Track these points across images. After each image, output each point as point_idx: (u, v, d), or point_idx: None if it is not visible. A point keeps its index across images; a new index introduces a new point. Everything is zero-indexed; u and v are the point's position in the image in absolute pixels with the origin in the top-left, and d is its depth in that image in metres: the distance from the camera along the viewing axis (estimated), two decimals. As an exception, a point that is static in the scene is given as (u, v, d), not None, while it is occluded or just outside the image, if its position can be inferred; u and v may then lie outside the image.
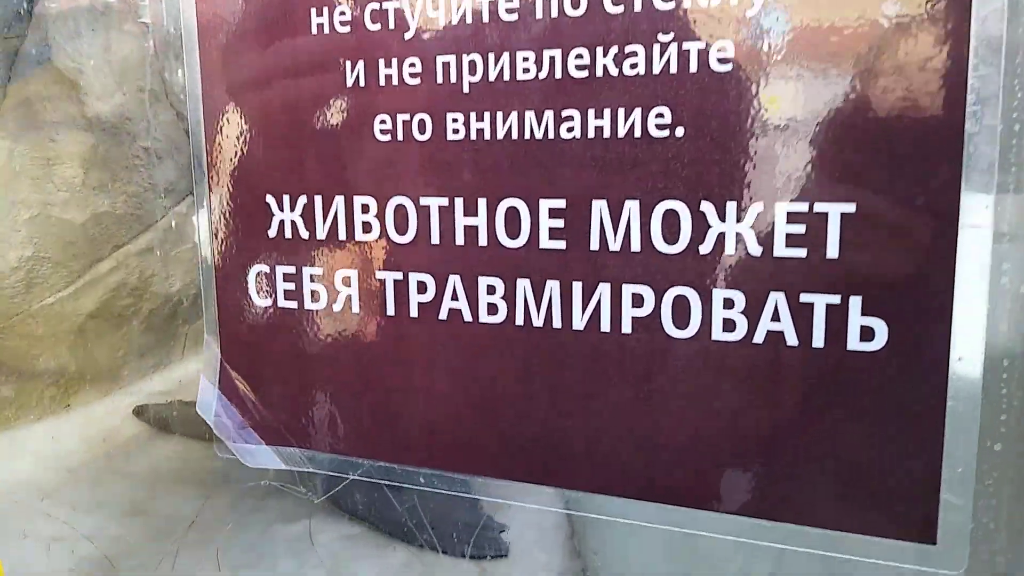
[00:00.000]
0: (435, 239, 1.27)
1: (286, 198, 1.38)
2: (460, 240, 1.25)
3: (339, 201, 1.33)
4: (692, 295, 1.10)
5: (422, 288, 1.29)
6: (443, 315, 1.28)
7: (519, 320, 1.22)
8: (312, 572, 2.12)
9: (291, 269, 1.39)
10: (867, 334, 1.01)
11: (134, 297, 3.48)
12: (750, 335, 1.06)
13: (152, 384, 3.48)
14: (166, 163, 3.70)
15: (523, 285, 1.21)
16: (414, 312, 1.30)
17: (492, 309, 1.25)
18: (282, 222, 1.38)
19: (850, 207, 0.99)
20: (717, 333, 1.09)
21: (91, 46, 3.21)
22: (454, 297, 1.27)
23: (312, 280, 1.37)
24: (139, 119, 3.43)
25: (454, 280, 1.27)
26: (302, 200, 1.36)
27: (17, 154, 2.96)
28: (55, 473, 2.70)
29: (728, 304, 1.07)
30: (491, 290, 1.23)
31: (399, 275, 1.30)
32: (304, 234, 1.37)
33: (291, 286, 1.40)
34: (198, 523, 2.33)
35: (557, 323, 1.19)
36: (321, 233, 1.35)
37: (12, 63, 2.96)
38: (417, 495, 2.32)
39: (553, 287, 1.18)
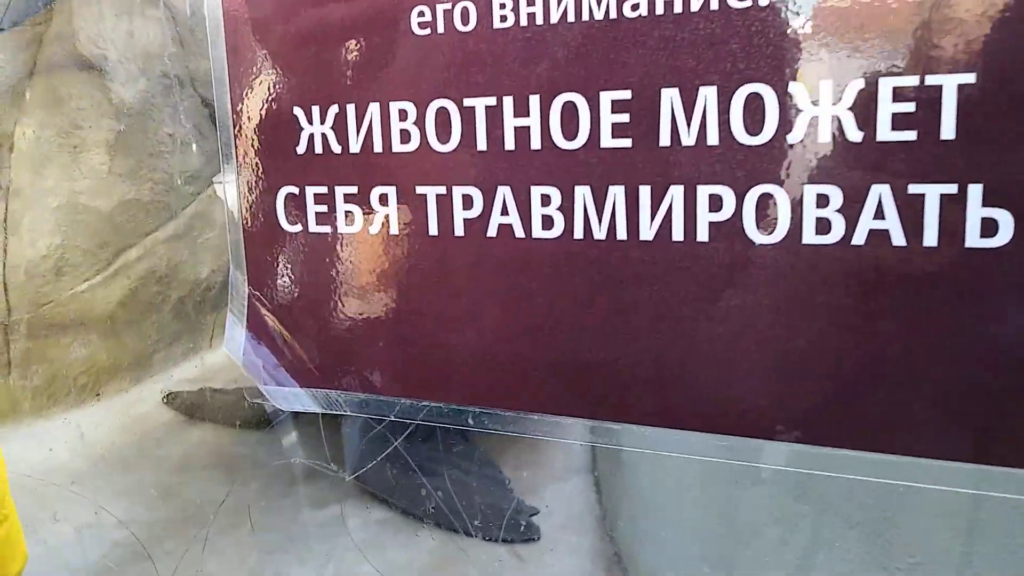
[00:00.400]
0: (481, 145, 1.09)
1: (315, 109, 1.20)
2: (510, 145, 1.07)
3: (374, 109, 1.15)
4: (779, 193, 0.92)
5: (468, 202, 1.12)
6: (492, 231, 1.12)
7: (578, 233, 1.05)
8: (344, 555, 2.10)
9: (322, 189, 1.22)
10: (989, 228, 0.83)
11: (162, 285, 3.48)
12: (848, 236, 0.89)
13: (182, 371, 3.49)
14: (191, 149, 3.70)
15: (582, 193, 1.04)
16: (459, 230, 1.13)
17: (547, 222, 1.07)
18: (311, 136, 1.22)
19: (969, 77, 0.81)
20: (809, 236, 0.91)
21: (115, 32, 3.20)
22: (504, 211, 1.10)
23: (346, 200, 1.20)
24: (163, 105, 3.43)
25: (504, 192, 1.10)
26: (333, 110, 1.18)
27: (44, 141, 2.96)
28: (87, 460, 2.71)
29: (822, 202, 0.89)
30: (546, 200, 1.06)
31: (442, 189, 1.13)
32: (336, 148, 1.19)
33: (323, 208, 1.23)
34: (229, 507, 2.32)
35: (622, 234, 1.02)
36: (355, 146, 1.18)
37: (37, 50, 2.96)
38: (449, 478, 2.29)
39: (617, 193, 1.01)
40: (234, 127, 1.29)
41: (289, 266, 1.30)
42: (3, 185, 2.88)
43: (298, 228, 1.28)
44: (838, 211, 0.90)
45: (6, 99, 2.85)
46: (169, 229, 3.50)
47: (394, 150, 1.16)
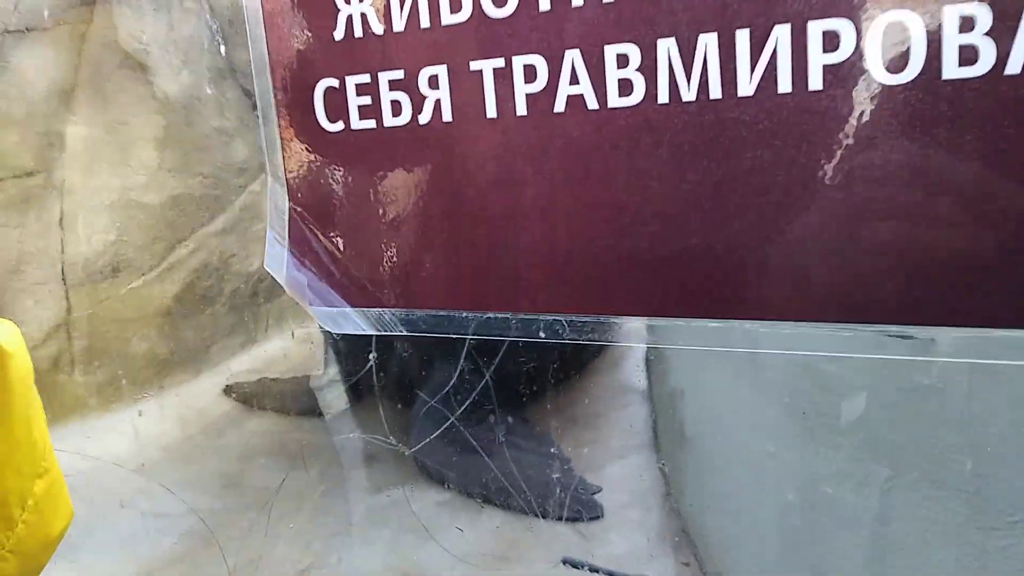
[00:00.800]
0: (543, 5, 0.92)
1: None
2: (577, 0, 0.90)
3: (419, -23, 0.97)
4: (911, 20, 0.71)
5: (530, 74, 0.95)
6: (559, 106, 0.94)
7: (662, 97, 0.87)
8: (405, 537, 2.09)
9: (365, 78, 1.06)
10: None
11: (216, 278, 3.52)
12: (1001, 65, 0.68)
13: (240, 362, 3.53)
14: (237, 142, 3.72)
15: (666, 47, 0.85)
16: (522, 108, 0.96)
17: (625, 87, 0.89)
18: (350, 17, 1.10)
19: None
20: (950, 69, 0.71)
21: (155, 26, 3.21)
22: (573, 79, 0.92)
23: (391, 88, 1.04)
24: (208, 98, 3.44)
25: (571, 56, 0.92)
26: (373, -17, 0.99)
27: (93, 139, 3.00)
28: (152, 452, 2.75)
29: (966, 25, 0.68)
30: (622, 61, 0.88)
31: (500, 62, 0.96)
32: (377, 28, 1.03)
33: (366, 100, 1.07)
34: (291, 493, 2.32)
35: (715, 92, 0.83)
36: (399, 23, 1.01)
37: (81, 48, 2.99)
38: (509, 458, 2.26)
39: (708, 43, 0.82)
40: (264, 21, 1.15)
41: (332, 171, 1.15)
42: (56, 184, 2.93)
43: (340, 126, 1.13)
44: (987, 34, 0.71)
45: (55, 98, 2.89)
46: (219, 222, 3.53)
47: (444, 23, 1.00)
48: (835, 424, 1.25)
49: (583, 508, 2.11)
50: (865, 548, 1.24)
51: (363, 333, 1.16)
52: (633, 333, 0.99)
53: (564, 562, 1.34)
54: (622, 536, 2.01)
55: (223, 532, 2.14)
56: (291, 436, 2.71)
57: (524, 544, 2.00)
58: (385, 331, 1.13)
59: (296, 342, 3.67)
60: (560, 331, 1.00)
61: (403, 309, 1.11)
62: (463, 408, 2.35)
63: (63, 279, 2.94)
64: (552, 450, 2.39)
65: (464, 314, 1.05)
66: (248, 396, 3.18)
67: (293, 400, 2.97)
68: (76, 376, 2.98)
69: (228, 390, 3.24)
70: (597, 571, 1.34)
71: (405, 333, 1.12)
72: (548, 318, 0.99)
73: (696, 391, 1.88)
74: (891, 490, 1.17)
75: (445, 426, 2.30)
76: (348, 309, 1.17)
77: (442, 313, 1.08)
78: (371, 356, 2.39)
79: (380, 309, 1.14)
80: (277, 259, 1.23)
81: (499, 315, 1.02)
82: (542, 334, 1.01)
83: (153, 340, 3.22)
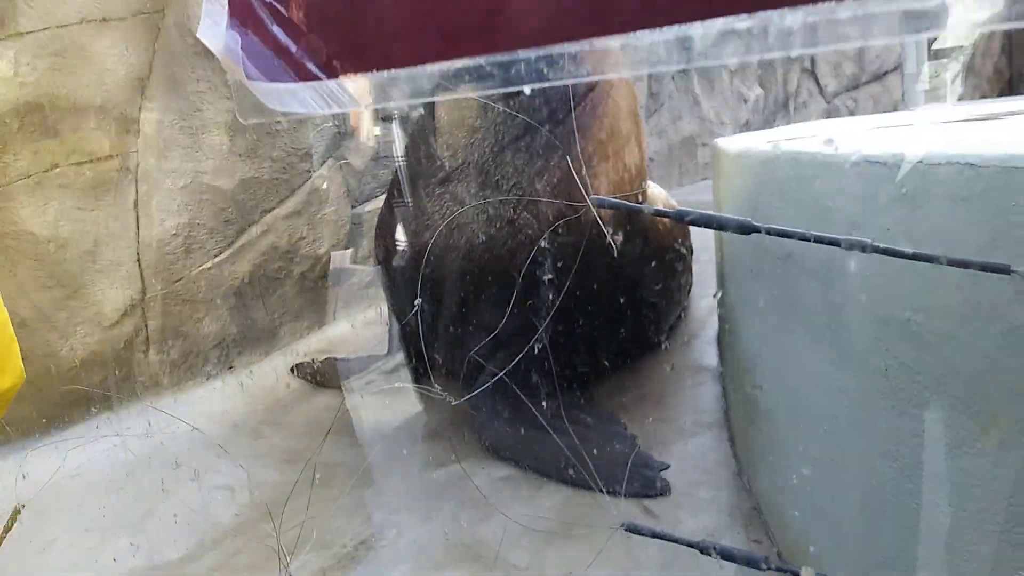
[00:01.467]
0: None
1: None
2: None
3: None
4: None
5: None
6: None
7: None
8: (465, 512, 2.04)
9: None
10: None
11: (285, 260, 3.56)
12: None
13: (307, 343, 3.57)
14: (306, 127, 3.76)
15: None
16: None
17: None
18: None
19: None
20: None
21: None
22: None
23: None
24: (276, 83, 3.47)
25: None
26: None
27: (167, 125, 3.07)
28: (221, 427, 2.79)
29: None
30: None
31: None
32: None
33: None
34: (352, 468, 2.31)
35: None
36: None
37: (156, 36, 3.06)
38: (573, 433, 2.18)
39: None
40: None
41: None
42: (132, 168, 3.00)
43: None
44: None
45: (130, 86, 2.96)
46: (288, 205, 3.57)
47: None
48: (921, 380, 1.14)
49: (650, 485, 2.02)
50: (957, 520, 1.12)
51: (312, 113, 1.06)
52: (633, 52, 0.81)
53: (626, 528, 1.27)
54: (691, 514, 1.91)
55: (286, 505, 2.14)
56: (355, 414, 2.71)
57: (588, 520, 1.93)
58: (338, 106, 1.01)
59: (362, 325, 3.69)
60: (545, 69, 0.82)
61: (362, 74, 0.98)
62: (522, 379, 2.30)
63: (138, 261, 3.02)
64: (618, 427, 2.31)
65: (431, 68, 0.88)
66: (315, 374, 3.20)
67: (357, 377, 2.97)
68: (150, 355, 3.06)
69: (295, 368, 3.28)
70: (658, 536, 1.26)
71: (360, 108, 1.01)
72: (529, 56, 0.80)
73: (769, 361, 1.77)
74: (980, 451, 1.05)
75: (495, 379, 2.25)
76: (296, 84, 1.05)
77: (405, 72, 0.90)
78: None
79: (333, 81, 1.01)
80: (214, 27, 1.08)
81: (471, 63, 0.85)
82: (523, 71, 0.83)
83: (224, 320, 3.27)
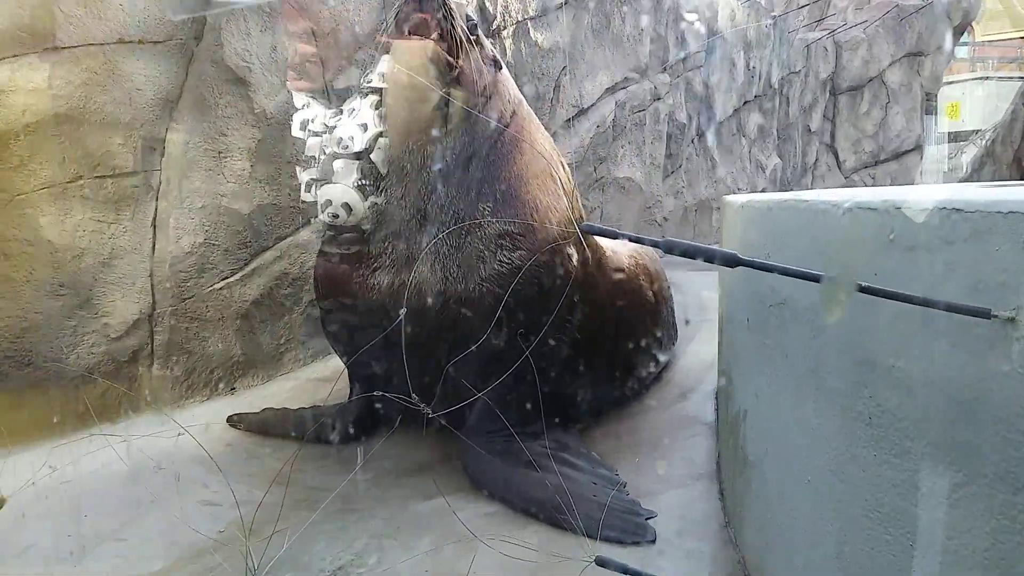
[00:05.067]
0: None
1: None
2: None
3: None
4: None
5: None
6: None
7: None
8: (449, 548, 2.03)
9: None
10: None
11: (295, 287, 3.60)
12: None
13: (311, 371, 3.58)
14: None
15: None
16: None
17: None
18: None
19: None
20: None
21: (259, 47, 3.38)
22: None
23: None
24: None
25: None
26: None
27: (192, 146, 3.15)
28: (216, 446, 2.79)
29: None
30: None
31: None
32: None
33: None
34: (341, 494, 2.30)
35: None
36: None
37: (189, 62, 3.17)
38: (560, 475, 2.17)
39: None
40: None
41: None
42: (153, 186, 3.08)
43: None
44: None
45: (159, 107, 3.06)
46: (303, 234, 3.63)
47: None
48: (903, 427, 1.14)
49: (635, 531, 2.00)
50: (939, 566, 1.10)
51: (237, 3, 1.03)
52: None
53: (596, 562, 1.26)
54: (672, 563, 1.89)
55: (270, 525, 2.13)
56: (347, 442, 2.71)
57: (569, 563, 1.90)
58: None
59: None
60: None
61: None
62: (515, 415, 2.30)
63: (150, 276, 3.07)
64: (608, 472, 2.29)
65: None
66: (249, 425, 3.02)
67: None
68: (154, 369, 3.08)
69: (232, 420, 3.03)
70: (627, 572, 1.25)
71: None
72: None
73: (759, 410, 1.77)
74: (963, 499, 1.04)
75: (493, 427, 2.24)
76: None
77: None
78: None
79: None
80: None
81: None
82: None
83: (230, 341, 3.30)
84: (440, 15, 2.34)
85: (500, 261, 2.34)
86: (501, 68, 2.62)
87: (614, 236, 1.41)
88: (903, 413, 1.13)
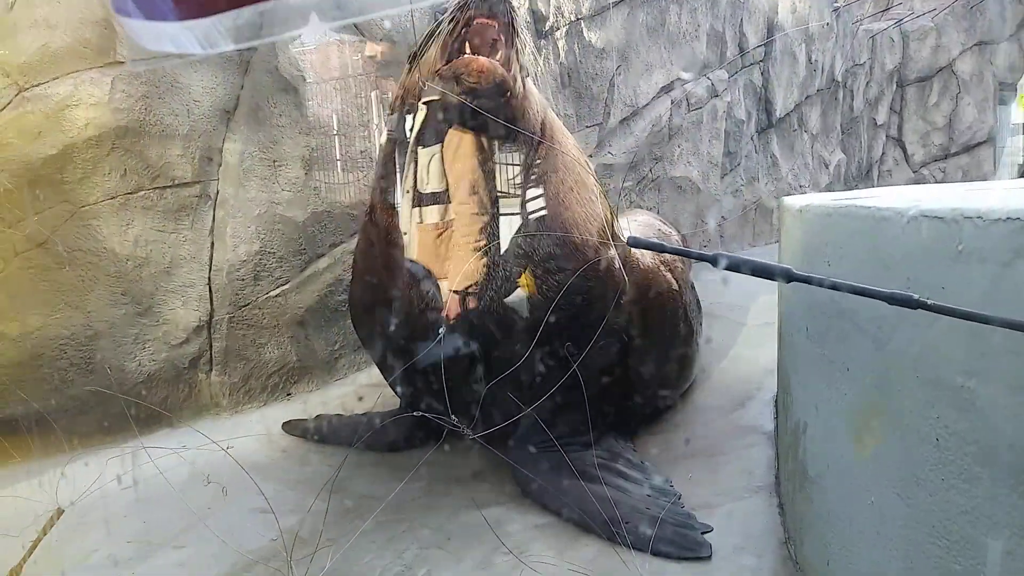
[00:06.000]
0: None
1: None
2: None
3: None
4: None
5: None
6: None
7: None
8: (499, 559, 2.00)
9: None
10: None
11: (348, 294, 3.62)
12: None
13: (365, 376, 3.60)
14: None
15: None
16: None
17: None
18: None
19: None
20: None
21: (313, 58, 3.42)
22: None
23: None
24: (355, 124, 3.60)
25: None
26: None
27: (247, 155, 3.20)
28: (271, 451, 2.83)
29: None
30: None
31: None
32: None
33: None
34: (392, 503, 2.30)
35: None
36: None
37: (245, 72, 3.22)
38: (615, 487, 2.13)
39: None
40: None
41: None
42: (211, 195, 3.13)
43: None
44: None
45: (216, 118, 3.11)
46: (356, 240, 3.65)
47: None
48: (972, 451, 1.07)
49: (689, 546, 1.94)
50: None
51: (187, 53, 1.01)
52: None
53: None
54: (730, 581, 1.82)
55: (323, 535, 2.14)
56: (397, 451, 2.71)
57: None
58: (212, 47, 0.97)
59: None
60: None
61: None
62: (565, 428, 2.26)
63: (208, 284, 3.12)
64: (660, 483, 2.24)
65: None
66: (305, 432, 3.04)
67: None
68: (212, 376, 3.14)
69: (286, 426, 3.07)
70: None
71: (231, 48, 0.95)
72: None
73: (819, 424, 1.69)
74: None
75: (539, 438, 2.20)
76: (175, 23, 1.02)
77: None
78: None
79: (209, 20, 0.97)
80: None
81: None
82: None
83: (285, 348, 3.34)
84: (508, 18, 2.13)
85: (549, 287, 2.28)
86: (528, 74, 2.45)
87: (661, 250, 1.36)
88: (972, 436, 1.06)
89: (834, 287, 1.08)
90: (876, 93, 9.25)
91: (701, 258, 1.18)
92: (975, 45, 9.90)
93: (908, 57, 9.58)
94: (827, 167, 8.33)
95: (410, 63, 2.39)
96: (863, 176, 9.18)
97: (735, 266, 1.13)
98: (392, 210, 2.45)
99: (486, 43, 2.17)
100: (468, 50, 2.18)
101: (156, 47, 1.04)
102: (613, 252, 2.41)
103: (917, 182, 9.07)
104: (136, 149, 2.88)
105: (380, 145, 2.57)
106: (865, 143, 9.21)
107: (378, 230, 2.51)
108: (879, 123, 9.42)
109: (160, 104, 2.92)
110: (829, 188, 8.09)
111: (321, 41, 3.47)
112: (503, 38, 2.18)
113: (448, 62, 2.18)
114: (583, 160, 2.56)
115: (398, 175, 2.41)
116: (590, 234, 2.34)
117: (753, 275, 1.14)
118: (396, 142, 2.44)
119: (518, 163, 2.32)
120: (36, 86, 2.65)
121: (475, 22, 2.15)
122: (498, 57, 2.18)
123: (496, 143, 2.30)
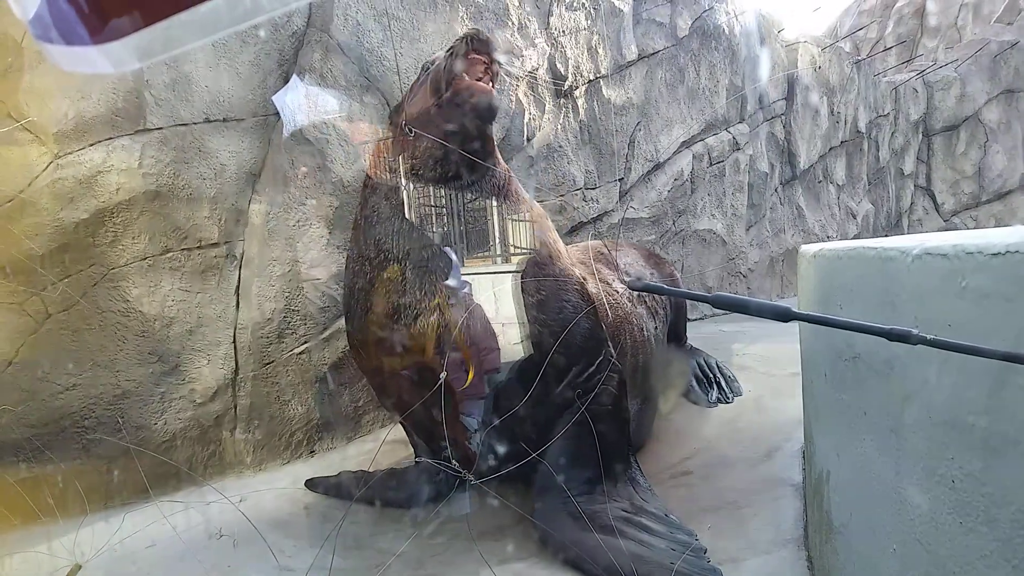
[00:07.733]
0: None
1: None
2: None
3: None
4: None
5: None
6: None
7: None
8: (519, 617, 1.96)
9: None
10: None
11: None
12: None
13: (391, 432, 3.59)
14: (402, 224, 3.92)
15: None
16: None
17: None
18: None
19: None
20: None
21: (336, 118, 3.52)
22: None
23: None
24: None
25: None
26: None
27: (272, 216, 3.28)
28: (294, 508, 2.82)
29: None
30: None
31: None
32: None
33: None
34: (411, 558, 2.27)
35: None
36: None
37: (269, 135, 3.32)
38: (637, 540, 2.08)
39: None
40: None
41: None
42: (237, 255, 3.20)
43: None
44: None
45: (243, 180, 3.20)
46: (380, 297, 3.69)
47: None
48: (989, 492, 1.03)
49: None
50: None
51: (103, 71, 1.03)
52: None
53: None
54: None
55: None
56: (411, 506, 2.69)
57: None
58: (122, 66, 0.97)
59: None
60: None
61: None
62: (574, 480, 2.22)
63: (234, 342, 3.17)
64: (685, 536, 2.18)
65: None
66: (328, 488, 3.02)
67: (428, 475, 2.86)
68: (237, 433, 3.16)
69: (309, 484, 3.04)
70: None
71: (138, 64, 0.96)
72: None
73: (841, 471, 1.65)
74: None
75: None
76: (90, 47, 1.02)
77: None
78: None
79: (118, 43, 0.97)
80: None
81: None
82: None
83: (309, 405, 3.36)
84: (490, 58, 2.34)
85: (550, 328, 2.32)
86: None
87: (661, 292, 1.36)
88: (987, 477, 1.03)
89: (831, 324, 1.07)
90: (902, 143, 9.23)
91: (700, 299, 1.18)
92: (1001, 94, 9.88)
93: (933, 107, 9.58)
94: (855, 217, 8.27)
95: (391, 119, 2.57)
96: (892, 226, 9.10)
97: (733, 306, 1.13)
98: (373, 260, 2.49)
99: (475, 77, 2.34)
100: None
101: (73, 70, 1.09)
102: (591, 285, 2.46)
103: (948, 230, 8.95)
104: (165, 212, 2.97)
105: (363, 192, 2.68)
106: (893, 193, 9.16)
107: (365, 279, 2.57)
108: (906, 172, 9.38)
109: (187, 169, 3.02)
110: (857, 238, 8.01)
111: (345, 108, 3.57)
112: (487, 76, 2.37)
113: (440, 97, 2.35)
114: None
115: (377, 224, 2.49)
116: (573, 263, 2.42)
117: (752, 315, 1.13)
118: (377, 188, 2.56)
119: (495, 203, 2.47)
120: (69, 153, 2.75)
121: (470, 56, 2.32)
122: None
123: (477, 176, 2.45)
